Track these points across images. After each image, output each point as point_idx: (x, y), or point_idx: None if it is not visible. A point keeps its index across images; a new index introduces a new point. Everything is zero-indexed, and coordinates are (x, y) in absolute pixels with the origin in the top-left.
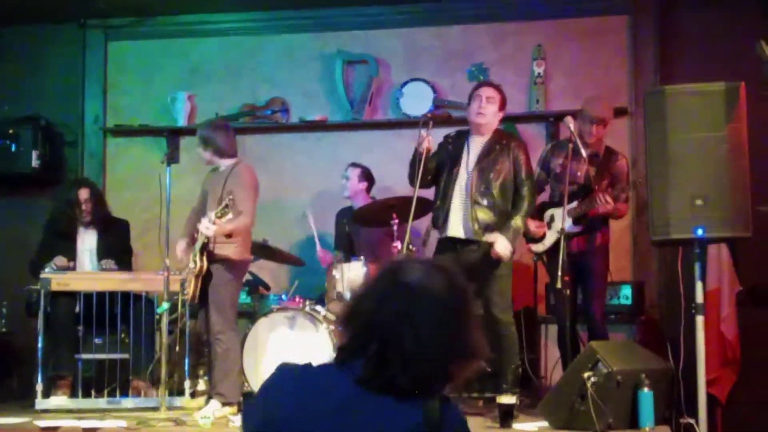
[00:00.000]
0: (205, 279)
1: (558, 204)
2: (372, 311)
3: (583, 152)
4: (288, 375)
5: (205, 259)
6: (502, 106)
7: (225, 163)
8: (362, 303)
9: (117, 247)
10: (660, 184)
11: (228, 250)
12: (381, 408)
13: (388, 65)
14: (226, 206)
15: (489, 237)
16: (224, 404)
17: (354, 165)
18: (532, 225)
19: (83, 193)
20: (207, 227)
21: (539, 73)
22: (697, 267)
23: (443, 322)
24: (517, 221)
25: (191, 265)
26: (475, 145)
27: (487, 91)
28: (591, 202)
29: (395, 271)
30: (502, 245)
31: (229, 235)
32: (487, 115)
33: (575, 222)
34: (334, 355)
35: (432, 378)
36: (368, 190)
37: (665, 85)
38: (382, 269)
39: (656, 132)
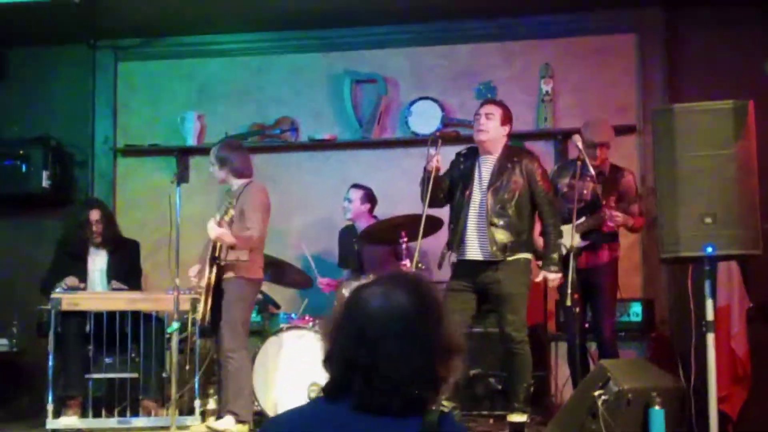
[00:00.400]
0: (216, 297)
1: (566, 222)
2: (346, 348)
3: (591, 169)
4: (280, 422)
5: (214, 271)
6: (505, 120)
7: (239, 183)
8: (336, 342)
9: (127, 267)
10: (669, 202)
11: (240, 269)
12: (380, 427)
13: (397, 84)
14: (230, 205)
15: (539, 278)
16: (237, 422)
17: (356, 186)
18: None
19: (94, 214)
20: (211, 227)
21: (547, 91)
22: (707, 285)
23: (416, 335)
24: (554, 248)
25: (202, 282)
26: (486, 165)
27: (485, 108)
28: (598, 218)
29: (356, 302)
30: (553, 281)
31: (232, 247)
32: (489, 131)
33: (583, 237)
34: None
35: (422, 391)
36: (371, 210)
37: (673, 102)
38: (344, 304)
39: (665, 150)
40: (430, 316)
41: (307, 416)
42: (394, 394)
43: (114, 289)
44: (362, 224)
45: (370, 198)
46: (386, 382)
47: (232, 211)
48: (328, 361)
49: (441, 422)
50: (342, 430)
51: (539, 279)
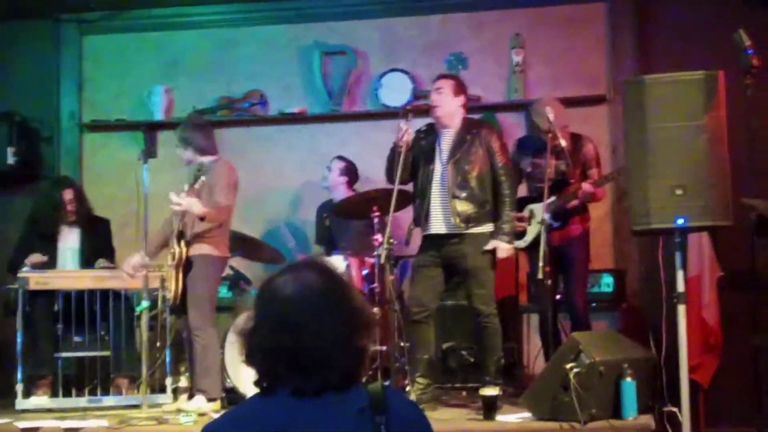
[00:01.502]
0: (185, 273)
1: (536, 200)
2: (267, 338)
3: (562, 141)
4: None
5: (183, 246)
6: (458, 91)
7: (206, 160)
8: (257, 335)
9: (101, 246)
10: (639, 173)
11: (206, 246)
12: (326, 405)
13: (367, 56)
14: (199, 173)
15: (488, 245)
16: (208, 400)
17: (340, 158)
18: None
19: (67, 194)
20: (181, 197)
21: (518, 62)
22: (678, 256)
23: (333, 310)
24: (507, 216)
25: (170, 259)
26: (446, 138)
27: (436, 84)
28: (567, 197)
29: (269, 293)
30: (503, 250)
31: (202, 218)
32: (442, 105)
33: (554, 217)
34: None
35: (352, 361)
36: (349, 184)
37: (644, 72)
38: (256, 299)
39: (635, 121)
40: (342, 291)
41: (248, 418)
42: (327, 370)
43: (103, 268)
44: (339, 195)
45: (349, 171)
46: (316, 361)
47: (203, 178)
48: (251, 358)
49: (386, 392)
50: (290, 420)
51: (489, 247)
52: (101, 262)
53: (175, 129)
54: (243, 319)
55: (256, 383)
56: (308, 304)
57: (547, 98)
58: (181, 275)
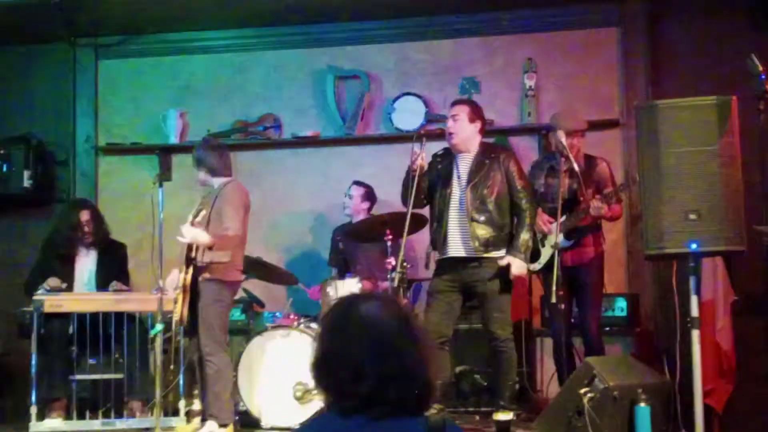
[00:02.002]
0: (194, 297)
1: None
2: (355, 353)
3: (575, 165)
4: None
5: (190, 272)
6: (474, 117)
7: (217, 182)
8: (341, 349)
9: (116, 270)
10: (653, 198)
11: (216, 271)
12: (389, 429)
13: (380, 80)
14: (201, 206)
15: (503, 261)
16: (220, 426)
17: (358, 184)
18: (543, 220)
19: (84, 215)
20: (186, 229)
21: (530, 86)
22: (691, 281)
23: (417, 343)
24: (524, 236)
25: (179, 282)
26: (464, 163)
27: (452, 110)
28: (578, 215)
29: (361, 315)
30: (517, 267)
31: (210, 247)
32: (458, 133)
33: (567, 237)
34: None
35: (426, 389)
36: (369, 210)
37: (656, 96)
38: (345, 317)
39: (648, 146)
40: (415, 322)
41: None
42: (404, 392)
43: (116, 290)
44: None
45: (370, 196)
46: (403, 389)
47: (204, 212)
48: (332, 369)
49: (445, 425)
50: None
51: (503, 263)
52: (114, 285)
53: (191, 152)
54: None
55: (353, 403)
56: (403, 335)
57: (564, 113)
58: (187, 299)
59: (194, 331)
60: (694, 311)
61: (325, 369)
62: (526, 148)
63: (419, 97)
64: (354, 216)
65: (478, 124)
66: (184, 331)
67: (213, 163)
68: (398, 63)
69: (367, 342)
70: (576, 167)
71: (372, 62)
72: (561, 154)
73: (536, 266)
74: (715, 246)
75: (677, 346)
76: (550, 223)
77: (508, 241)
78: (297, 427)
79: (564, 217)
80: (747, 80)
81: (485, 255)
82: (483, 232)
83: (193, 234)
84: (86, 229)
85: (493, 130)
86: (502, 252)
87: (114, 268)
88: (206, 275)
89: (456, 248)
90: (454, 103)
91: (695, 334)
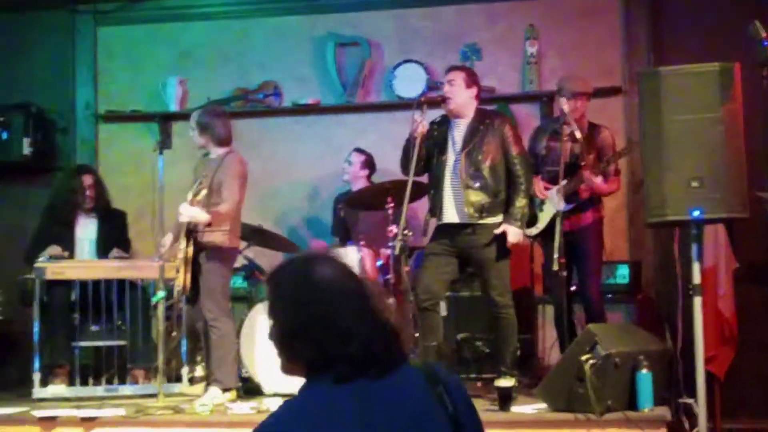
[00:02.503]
0: (195, 266)
1: (549, 184)
2: (338, 318)
3: (577, 132)
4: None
5: (191, 244)
6: (470, 83)
7: (218, 152)
8: (321, 317)
9: (117, 237)
10: (655, 165)
11: (216, 237)
12: (397, 385)
13: (381, 47)
14: (201, 184)
15: (498, 229)
16: (224, 390)
17: (359, 151)
18: (539, 186)
19: (87, 179)
20: (184, 209)
21: (532, 53)
22: (694, 248)
23: (371, 294)
24: (520, 203)
25: (180, 254)
26: (459, 129)
27: (448, 76)
28: (579, 180)
29: (310, 279)
30: (513, 234)
31: (208, 224)
32: (454, 98)
33: (566, 200)
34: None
35: (399, 337)
36: (369, 177)
37: (659, 63)
38: (292, 280)
39: (651, 114)
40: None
41: (322, 409)
42: (392, 350)
43: (116, 257)
44: (358, 188)
45: (369, 164)
46: (386, 341)
47: (204, 191)
48: (309, 334)
49: (434, 366)
50: (369, 402)
51: (498, 231)
52: (114, 252)
53: (192, 114)
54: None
55: (343, 371)
56: (360, 285)
57: (570, 78)
58: (189, 269)
59: (197, 299)
60: (697, 278)
61: (305, 340)
62: (528, 116)
63: (420, 64)
64: (352, 183)
65: (474, 90)
66: (187, 299)
67: (220, 132)
68: (399, 30)
69: (343, 304)
70: (578, 133)
71: (373, 29)
72: (565, 122)
73: (533, 231)
74: (717, 213)
75: (679, 313)
76: (547, 189)
77: (504, 208)
78: (283, 404)
79: (565, 182)
80: (750, 47)
81: (480, 221)
82: (477, 198)
83: (191, 213)
84: (88, 193)
85: (495, 97)
86: (497, 218)
87: (114, 236)
88: (207, 243)
89: (451, 214)
90: (450, 69)
91: (697, 301)
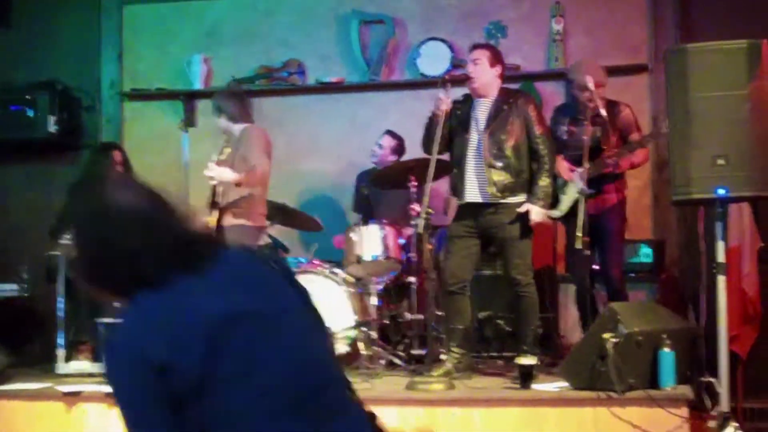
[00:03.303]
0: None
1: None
2: (154, 238)
3: (602, 111)
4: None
5: (215, 216)
6: (494, 61)
7: (238, 129)
8: (106, 237)
9: None
10: (681, 143)
11: (240, 216)
12: (223, 267)
13: (405, 25)
14: (226, 143)
15: (521, 208)
16: None
17: (391, 135)
18: (563, 167)
19: (117, 156)
20: (211, 167)
21: (558, 31)
22: (718, 227)
23: (172, 206)
24: (543, 182)
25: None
26: (482, 108)
27: (472, 54)
28: (600, 164)
29: (107, 203)
30: (536, 213)
31: (238, 184)
32: (479, 77)
33: (588, 185)
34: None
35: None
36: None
37: (685, 41)
38: (95, 217)
39: (677, 91)
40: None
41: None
42: (202, 250)
43: None
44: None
45: (399, 149)
46: (187, 250)
47: (228, 149)
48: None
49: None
50: (214, 286)
51: (522, 210)
52: None
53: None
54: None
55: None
56: (163, 200)
57: (589, 63)
58: None
59: None
60: (721, 257)
61: (121, 264)
62: (553, 94)
63: (445, 42)
64: (380, 166)
65: (498, 69)
66: None
67: (233, 110)
68: (424, 7)
69: (132, 224)
70: (603, 111)
71: (397, 7)
72: (590, 100)
73: (557, 213)
74: (742, 191)
75: (702, 293)
76: (572, 171)
77: (527, 188)
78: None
79: (587, 165)
80: None
81: (502, 201)
82: (500, 177)
83: (219, 171)
84: (118, 169)
85: (520, 75)
86: (520, 198)
87: None
88: (232, 220)
89: (473, 194)
90: (475, 47)
91: (721, 280)
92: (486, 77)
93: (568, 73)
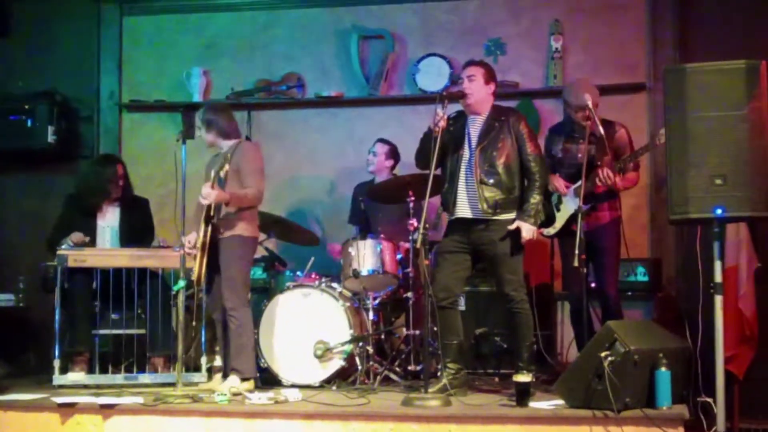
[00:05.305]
0: (211, 255)
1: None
2: None
3: (600, 129)
4: None
5: (209, 231)
6: (489, 79)
7: (227, 144)
8: None
9: (140, 225)
10: (679, 163)
11: (237, 227)
12: None
13: (404, 40)
14: (221, 167)
15: (512, 225)
16: (242, 380)
17: (383, 141)
18: (560, 183)
19: (120, 169)
20: (207, 192)
21: (557, 48)
22: (716, 246)
23: None
24: (534, 200)
25: (198, 241)
26: (474, 125)
27: (468, 71)
28: (594, 180)
29: None
30: (527, 230)
31: (232, 208)
32: (474, 93)
33: (583, 201)
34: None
35: None
36: (393, 168)
37: (684, 60)
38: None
39: (675, 110)
40: None
41: None
42: None
43: (161, 246)
44: (382, 179)
45: (394, 154)
46: None
47: (227, 167)
48: None
49: None
50: None
51: (512, 227)
52: (159, 240)
53: (196, 113)
54: None
55: None
56: None
57: (585, 82)
58: (204, 258)
59: (209, 288)
60: (718, 277)
61: None
62: (552, 111)
63: (444, 58)
64: (377, 174)
65: (492, 86)
66: (207, 288)
67: (224, 126)
68: (423, 23)
69: None
70: (601, 129)
71: (397, 22)
72: (588, 118)
73: (551, 231)
74: (740, 211)
75: (699, 312)
76: (567, 188)
77: (518, 204)
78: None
79: (580, 182)
80: None
81: (493, 217)
82: (491, 194)
83: (215, 195)
84: (120, 183)
85: (518, 92)
86: (511, 215)
87: (137, 224)
88: (226, 233)
89: (464, 209)
90: (470, 64)
91: (718, 300)
92: (480, 94)
93: (563, 94)
